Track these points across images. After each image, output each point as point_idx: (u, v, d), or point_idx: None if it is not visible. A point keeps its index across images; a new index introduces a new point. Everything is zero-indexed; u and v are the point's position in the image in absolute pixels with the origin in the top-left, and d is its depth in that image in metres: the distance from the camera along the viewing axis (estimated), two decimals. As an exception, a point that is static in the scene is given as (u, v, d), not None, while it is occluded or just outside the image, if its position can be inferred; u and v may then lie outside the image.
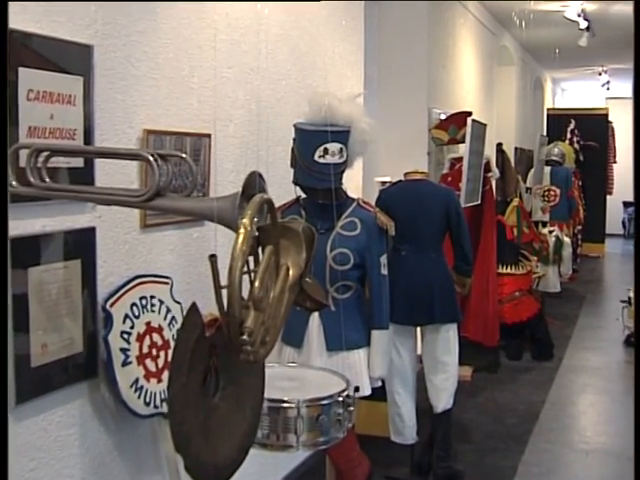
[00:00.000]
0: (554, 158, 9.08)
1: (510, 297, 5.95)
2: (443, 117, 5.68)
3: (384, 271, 2.92)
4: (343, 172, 2.89)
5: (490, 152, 6.89)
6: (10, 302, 1.92)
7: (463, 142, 4.86)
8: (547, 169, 9.02)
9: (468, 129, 4.65)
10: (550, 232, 8.18)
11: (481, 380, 5.43)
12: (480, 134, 5.05)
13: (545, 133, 11.49)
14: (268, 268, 1.63)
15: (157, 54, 2.57)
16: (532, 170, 8.98)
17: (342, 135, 2.80)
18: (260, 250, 1.71)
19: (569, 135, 11.06)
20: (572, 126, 11.14)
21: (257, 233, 1.72)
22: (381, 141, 5.10)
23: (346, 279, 2.87)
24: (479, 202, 5.02)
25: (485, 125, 5.23)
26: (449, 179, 4.97)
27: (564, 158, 9.28)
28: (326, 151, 2.75)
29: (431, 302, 3.70)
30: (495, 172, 5.42)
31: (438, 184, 4.72)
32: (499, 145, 7.76)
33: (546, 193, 8.88)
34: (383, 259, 2.92)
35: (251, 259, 1.66)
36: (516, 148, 9.69)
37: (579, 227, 10.36)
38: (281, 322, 1.65)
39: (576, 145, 10.99)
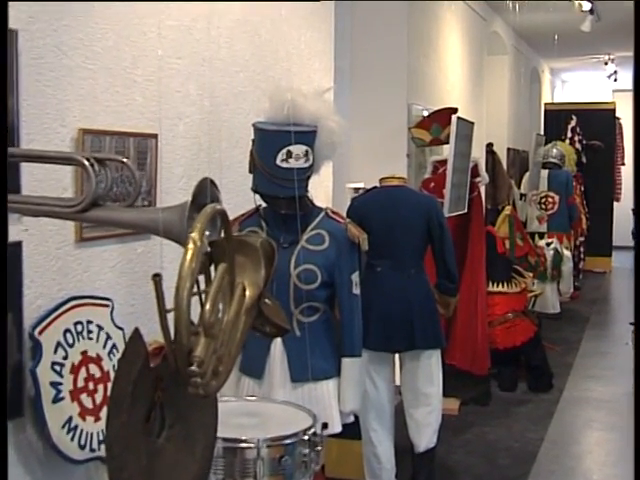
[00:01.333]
0: (552, 160, 9.22)
1: (502, 319, 6.01)
2: (425, 114, 5.77)
3: (356, 290, 2.96)
4: (309, 178, 2.93)
5: (479, 154, 6.98)
6: None
7: (447, 143, 4.96)
8: (544, 173, 9.15)
9: (453, 128, 4.75)
10: (548, 245, 8.32)
11: (469, 414, 5.48)
12: (467, 133, 5.14)
13: (542, 132, 11.62)
14: (221, 288, 1.66)
15: (94, 41, 2.59)
16: (527, 174, 9.12)
17: (308, 136, 2.84)
18: (213, 268, 1.73)
19: (570, 134, 11.22)
20: (573, 123, 11.30)
21: (209, 248, 1.75)
22: (353, 142, 5.17)
23: (313, 300, 2.90)
24: (465, 211, 5.12)
25: (472, 123, 5.33)
26: (431, 185, 5.06)
27: (564, 160, 9.42)
28: (289, 154, 2.80)
29: (410, 325, 3.75)
30: (484, 177, 5.51)
31: (418, 191, 4.79)
32: (489, 146, 7.87)
33: (543, 200, 9.02)
34: (355, 277, 2.96)
35: (202, 278, 1.69)
36: (509, 149, 9.83)
37: (581, 239, 10.48)
38: (236, 350, 1.68)
39: (578, 145, 11.14)
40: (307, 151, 2.84)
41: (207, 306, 1.58)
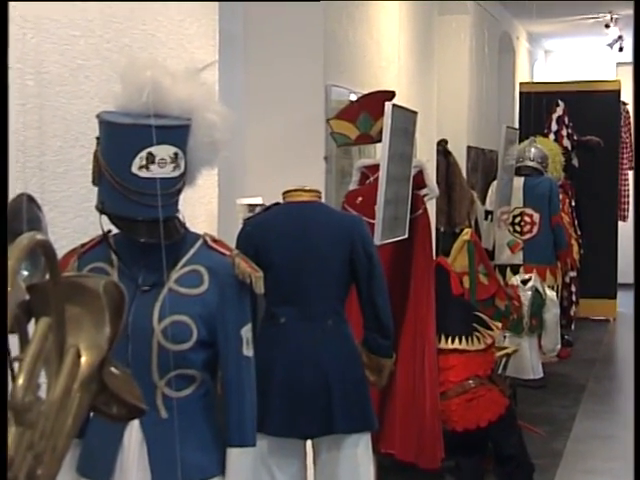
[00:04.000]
0: (530, 164, 9.43)
1: (460, 388, 6.05)
2: (352, 99, 5.85)
3: (248, 351, 2.98)
4: (180, 192, 2.95)
5: (426, 156, 7.08)
6: None
7: (380, 141, 5.02)
8: (519, 181, 9.31)
9: (387, 120, 4.82)
10: (524, 282, 8.45)
11: (417, 527, 5.52)
12: (408, 127, 5.24)
13: (516, 123, 11.86)
14: (43, 353, 1.65)
15: None
16: (494, 183, 9.19)
17: (177, 133, 2.86)
18: (32, 323, 1.73)
19: (555, 126, 11.47)
20: (560, 111, 11.54)
21: (27, 295, 1.74)
22: (248, 141, 5.18)
23: (185, 365, 2.90)
24: (406, 236, 5.21)
25: (415, 113, 5.42)
26: (358, 200, 5.14)
27: (546, 163, 9.64)
28: (151, 159, 2.80)
29: (328, 400, 3.79)
30: (433, 188, 5.62)
31: (339, 209, 4.84)
32: (442, 144, 7.97)
33: (517, 220, 9.15)
34: (246, 332, 2.98)
35: (14, 340, 1.68)
36: (469, 148, 10.04)
37: (572, 274, 10.71)
38: (65, 443, 1.68)
39: (566, 142, 11.38)
40: (177, 154, 2.85)
41: (20, 380, 1.58)
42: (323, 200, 4.42)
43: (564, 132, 11.47)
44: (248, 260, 3.04)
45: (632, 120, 12.53)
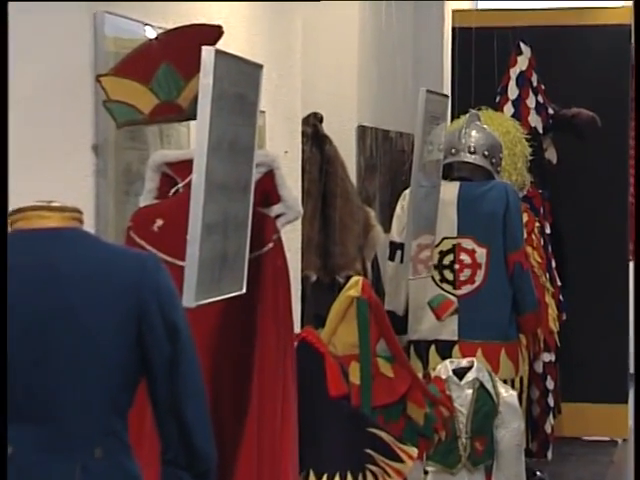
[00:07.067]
0: (469, 158, 9.67)
1: None
2: (148, 37, 5.86)
3: None
4: None
5: (284, 145, 7.17)
6: None
7: (194, 117, 5.04)
8: (451, 190, 9.51)
9: (206, 79, 4.83)
10: (460, 374, 8.51)
11: None
12: (246, 93, 5.30)
13: (447, 87, 12.19)
14: None
15: None
16: (407, 193, 9.30)
17: None
18: None
19: (515, 90, 11.70)
20: (524, 63, 11.77)
21: None
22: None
23: None
24: (243, 291, 5.22)
25: (260, 67, 5.41)
26: (157, 225, 5.18)
27: (499, 158, 9.88)
28: None
29: None
30: (293, 204, 5.66)
31: (119, 242, 4.77)
32: (312, 123, 7.98)
33: (448, 260, 9.26)
34: None
35: None
36: (363, 129, 10.19)
37: (549, 357, 10.97)
38: None
39: (535, 119, 11.66)
40: None
41: None
42: (89, 226, 4.42)
43: (531, 101, 11.70)
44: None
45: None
